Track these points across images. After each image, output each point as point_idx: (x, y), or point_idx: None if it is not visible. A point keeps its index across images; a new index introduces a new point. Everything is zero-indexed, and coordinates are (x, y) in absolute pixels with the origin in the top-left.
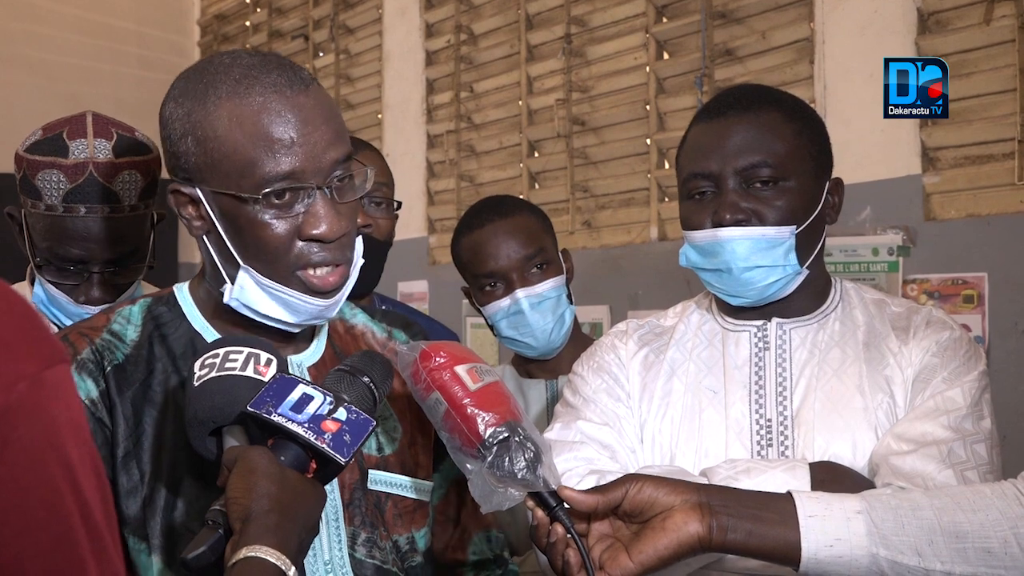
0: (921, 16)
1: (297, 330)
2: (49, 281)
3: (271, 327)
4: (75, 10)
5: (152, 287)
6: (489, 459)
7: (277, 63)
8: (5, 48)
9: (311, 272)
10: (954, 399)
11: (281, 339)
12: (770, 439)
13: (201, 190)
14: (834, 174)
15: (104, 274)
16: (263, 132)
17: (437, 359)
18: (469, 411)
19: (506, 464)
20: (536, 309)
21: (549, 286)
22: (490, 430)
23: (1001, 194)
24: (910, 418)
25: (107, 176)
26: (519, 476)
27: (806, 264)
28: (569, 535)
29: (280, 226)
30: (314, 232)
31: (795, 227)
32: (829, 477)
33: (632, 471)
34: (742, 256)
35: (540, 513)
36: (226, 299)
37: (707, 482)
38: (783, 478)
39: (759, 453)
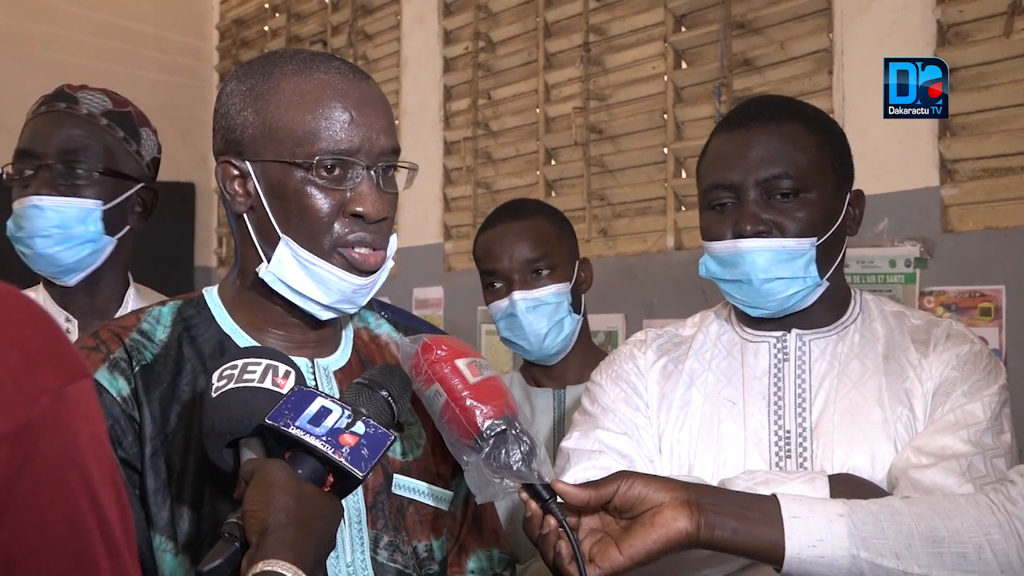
0: (940, 28)
1: (327, 315)
2: (12, 191)
3: (299, 322)
4: (93, 13)
5: (158, 294)
6: (486, 450)
7: (340, 57)
8: (22, 49)
9: (350, 250)
10: (974, 413)
11: (307, 341)
12: (789, 450)
13: (251, 164)
14: (854, 185)
15: (53, 171)
16: (324, 106)
17: (439, 351)
18: (468, 403)
19: (502, 456)
20: (531, 312)
21: (548, 291)
22: (488, 422)
23: (1019, 207)
24: (930, 431)
25: (73, 90)
26: (515, 468)
27: (826, 276)
28: (561, 527)
29: (326, 198)
30: (358, 209)
31: (816, 239)
32: (848, 489)
33: None
34: (762, 267)
35: (534, 505)
36: (261, 274)
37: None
38: (802, 489)
39: (777, 464)
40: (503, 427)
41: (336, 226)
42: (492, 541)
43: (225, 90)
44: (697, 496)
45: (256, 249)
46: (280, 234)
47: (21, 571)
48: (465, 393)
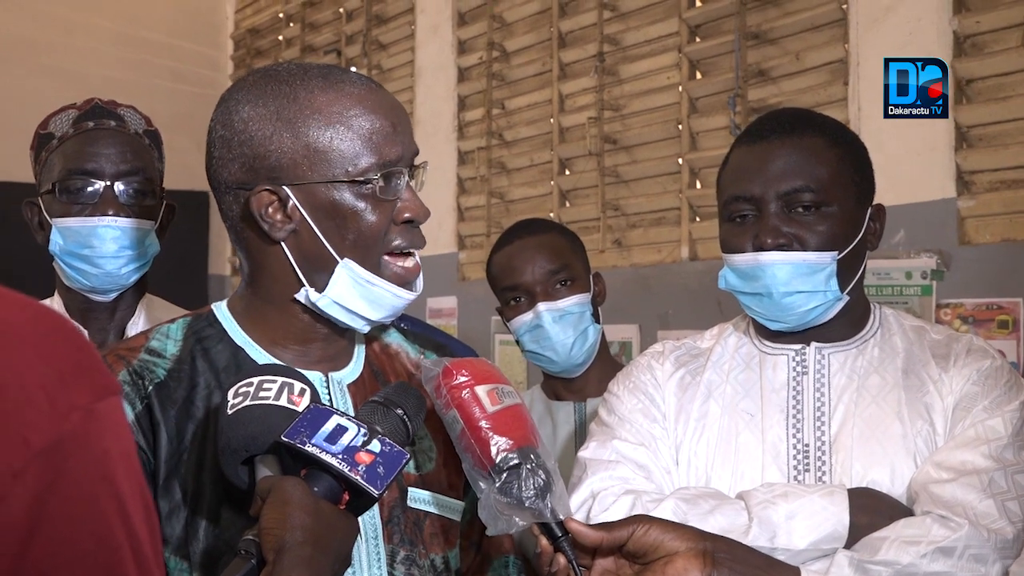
0: (957, 39)
1: (367, 328)
2: (64, 207)
3: (319, 337)
4: (108, 23)
5: (173, 307)
6: (498, 484)
7: (344, 68)
8: (38, 59)
9: (396, 260)
10: (995, 428)
11: (324, 355)
12: (807, 464)
13: (292, 188)
14: (874, 199)
15: (116, 191)
16: (367, 120)
17: (459, 377)
18: (484, 433)
19: (515, 490)
20: (557, 323)
21: (572, 302)
22: (502, 455)
23: None
24: (950, 446)
25: (111, 106)
26: (527, 503)
27: (846, 290)
28: (570, 566)
29: (379, 211)
30: (408, 215)
31: (836, 253)
32: (867, 504)
33: (668, 492)
34: (783, 281)
35: (545, 542)
36: (311, 299)
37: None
38: (821, 503)
39: (796, 478)
40: (517, 461)
41: (389, 236)
42: (509, 547)
43: (236, 117)
44: (715, 549)
45: (296, 275)
46: (337, 257)
47: None
48: (482, 423)
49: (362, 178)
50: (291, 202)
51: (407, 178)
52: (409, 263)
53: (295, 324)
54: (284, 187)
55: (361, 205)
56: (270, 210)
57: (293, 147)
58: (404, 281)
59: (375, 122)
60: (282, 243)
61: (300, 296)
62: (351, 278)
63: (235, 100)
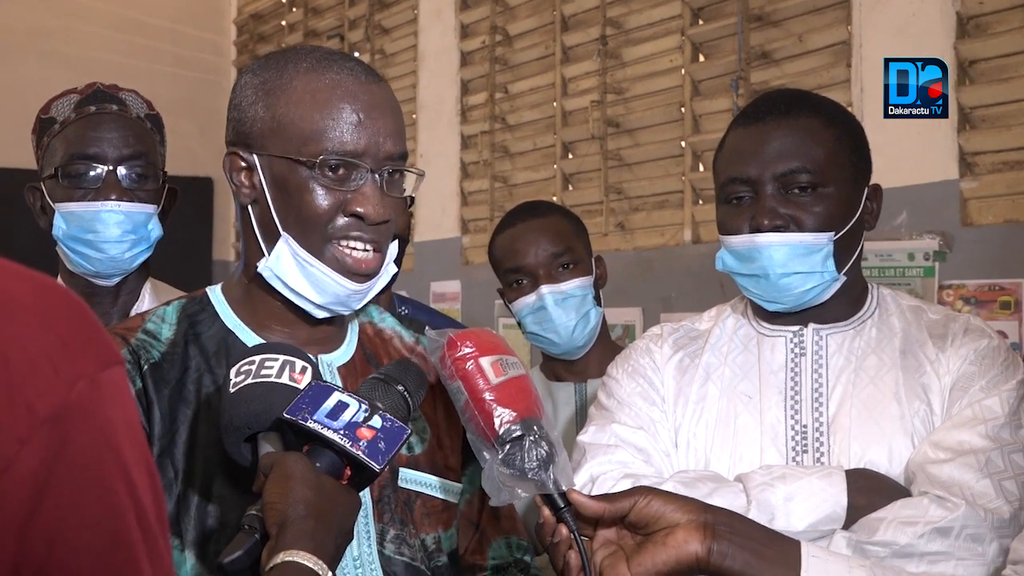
0: (960, 20)
1: (321, 314)
2: (67, 192)
3: (301, 318)
4: (112, 7)
5: (177, 291)
6: (502, 455)
7: (355, 57)
8: (42, 44)
9: (346, 247)
10: (992, 408)
11: (311, 337)
12: (805, 445)
13: (258, 157)
14: (871, 179)
15: (118, 175)
16: (333, 106)
17: (464, 348)
18: (487, 405)
19: (518, 461)
20: (560, 305)
21: (575, 284)
22: (505, 426)
23: None
24: (947, 426)
25: (113, 90)
26: (529, 475)
27: (844, 270)
28: (572, 536)
29: (328, 197)
30: (358, 209)
31: (833, 233)
32: (865, 484)
33: (667, 475)
34: (780, 262)
35: (547, 512)
36: (260, 268)
37: (739, 489)
38: (819, 485)
39: (794, 459)
40: (520, 432)
41: (334, 224)
42: (510, 527)
43: (240, 81)
44: (716, 521)
45: (258, 242)
46: (280, 230)
47: (58, 552)
48: (486, 394)
49: (309, 159)
50: (256, 170)
51: (372, 175)
52: (359, 255)
53: (273, 303)
54: (253, 155)
55: (310, 186)
56: (242, 176)
57: (263, 117)
58: (349, 271)
59: (342, 110)
60: (249, 208)
61: (259, 265)
62: (291, 255)
63: (248, 68)
